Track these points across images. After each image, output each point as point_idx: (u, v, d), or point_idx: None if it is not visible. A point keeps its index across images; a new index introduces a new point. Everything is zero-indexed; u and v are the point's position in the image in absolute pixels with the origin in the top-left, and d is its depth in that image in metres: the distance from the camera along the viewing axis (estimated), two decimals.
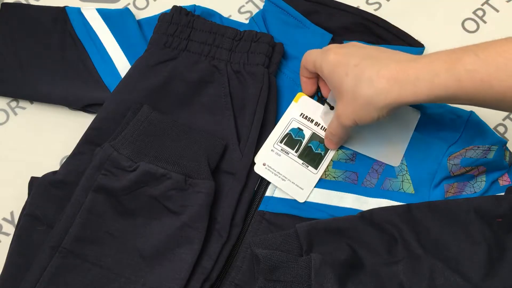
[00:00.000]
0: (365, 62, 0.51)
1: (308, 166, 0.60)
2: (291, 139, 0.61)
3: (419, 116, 0.61)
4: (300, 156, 0.60)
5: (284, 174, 0.59)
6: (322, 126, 0.62)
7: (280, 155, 0.60)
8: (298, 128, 0.61)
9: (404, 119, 0.61)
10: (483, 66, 0.47)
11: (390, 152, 0.61)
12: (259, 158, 0.60)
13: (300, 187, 0.59)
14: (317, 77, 0.62)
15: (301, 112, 0.62)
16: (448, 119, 0.62)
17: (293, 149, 0.60)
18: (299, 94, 0.63)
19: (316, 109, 0.62)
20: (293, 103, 0.63)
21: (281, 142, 0.61)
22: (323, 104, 0.62)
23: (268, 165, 0.59)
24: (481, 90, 0.47)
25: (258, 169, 0.59)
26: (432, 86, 0.48)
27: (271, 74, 0.63)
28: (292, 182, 0.59)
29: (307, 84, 0.62)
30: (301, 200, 0.59)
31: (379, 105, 0.50)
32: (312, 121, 0.62)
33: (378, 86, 0.49)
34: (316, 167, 0.60)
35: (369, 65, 0.51)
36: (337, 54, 0.54)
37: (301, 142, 0.61)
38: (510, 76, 0.46)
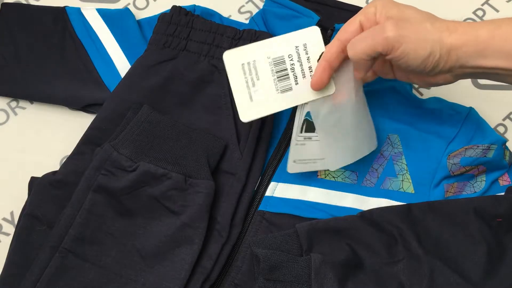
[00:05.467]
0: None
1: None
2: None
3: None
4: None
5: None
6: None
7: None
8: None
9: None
10: None
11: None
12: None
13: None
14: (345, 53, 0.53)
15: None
16: (446, 115, 0.62)
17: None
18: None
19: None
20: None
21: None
22: None
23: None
24: None
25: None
26: (493, 34, 0.49)
27: None
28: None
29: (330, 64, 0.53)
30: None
31: (436, 35, 0.50)
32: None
33: (447, 21, 0.51)
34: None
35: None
36: None
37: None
38: None
